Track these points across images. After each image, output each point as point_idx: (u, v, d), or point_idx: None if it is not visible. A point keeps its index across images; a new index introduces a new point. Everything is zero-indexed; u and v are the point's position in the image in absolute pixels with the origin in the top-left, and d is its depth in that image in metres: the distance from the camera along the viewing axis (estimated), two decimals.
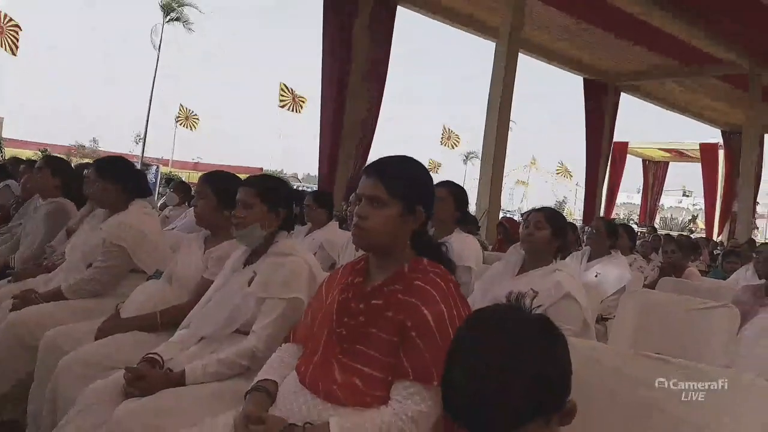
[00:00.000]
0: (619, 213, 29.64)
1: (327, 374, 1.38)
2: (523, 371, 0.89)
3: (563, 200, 47.27)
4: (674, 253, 4.61)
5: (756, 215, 19.19)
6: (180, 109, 27.57)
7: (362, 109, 9.26)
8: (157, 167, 17.45)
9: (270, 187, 2.06)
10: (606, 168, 14.36)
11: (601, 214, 15.20)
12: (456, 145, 27.95)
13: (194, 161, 30.39)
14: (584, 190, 14.53)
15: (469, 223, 5.88)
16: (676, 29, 10.27)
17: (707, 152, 18.93)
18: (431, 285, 1.38)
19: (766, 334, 2.12)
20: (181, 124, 27.89)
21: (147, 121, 28.52)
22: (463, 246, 3.03)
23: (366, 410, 1.32)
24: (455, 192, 3.07)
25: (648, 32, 10.60)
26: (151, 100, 28.68)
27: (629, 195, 37.01)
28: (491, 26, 10.28)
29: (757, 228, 26.61)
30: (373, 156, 9.66)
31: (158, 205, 6.88)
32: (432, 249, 1.52)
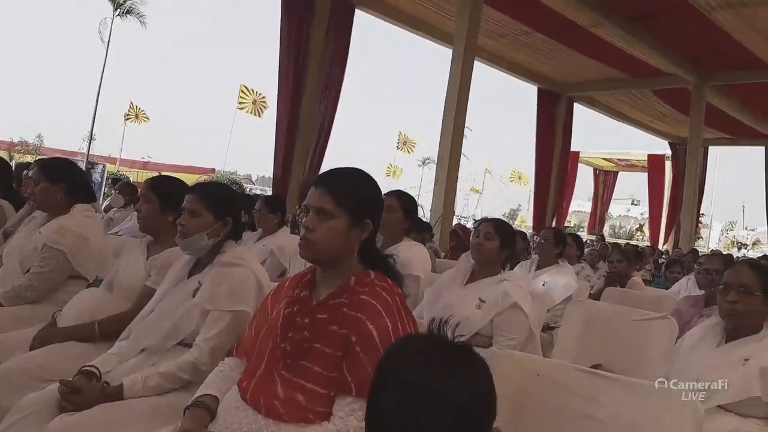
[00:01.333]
0: (570, 221, 30.40)
1: (269, 390, 1.36)
2: (448, 401, 0.89)
3: (518, 208, 48.18)
4: (620, 263, 4.74)
5: (700, 225, 19.97)
6: (129, 106, 26.85)
7: (318, 113, 9.23)
8: (104, 166, 16.90)
9: (218, 196, 2.01)
10: (558, 177, 14.67)
11: (553, 222, 15.54)
12: (411, 151, 28.22)
13: (144, 160, 29.63)
14: (535, 199, 14.81)
15: (423, 230, 5.94)
16: (625, 43, 10.61)
17: (655, 163, 19.61)
18: (377, 299, 1.37)
19: (700, 345, 2.19)
20: (130, 121, 27.18)
21: (94, 117, 27.66)
22: (410, 255, 3.05)
23: (308, 426, 1.30)
24: (403, 201, 3.09)
25: (599, 45, 10.93)
26: (98, 96, 27.85)
27: (580, 203, 38.06)
28: (448, 33, 10.39)
29: (701, 237, 27.72)
30: (328, 159, 9.64)
31: (103, 206, 6.67)
32: (380, 261, 1.52)
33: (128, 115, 27.18)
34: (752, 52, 10.56)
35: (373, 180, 1.53)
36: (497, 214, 46.30)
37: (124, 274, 2.35)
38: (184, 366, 1.79)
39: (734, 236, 44.52)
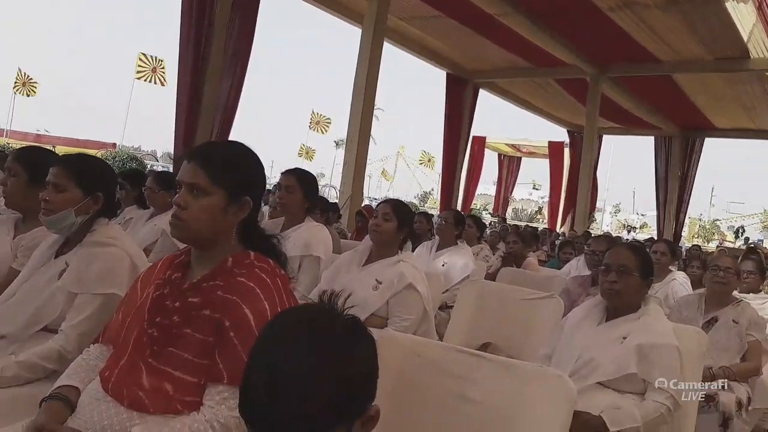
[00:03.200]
0: (476, 203, 31.37)
1: (133, 379, 1.26)
2: (325, 375, 0.84)
3: (430, 190, 49.13)
4: (516, 244, 4.91)
5: (594, 209, 21.16)
6: (18, 74, 24.72)
7: (223, 90, 8.85)
8: None
9: (87, 168, 1.84)
10: (463, 160, 15.00)
11: (460, 204, 15.94)
12: (325, 131, 27.85)
13: (37, 133, 27.48)
14: (442, 181, 15.09)
15: (327, 210, 5.88)
16: (530, 33, 10.93)
17: (554, 150, 20.48)
18: (255, 281, 1.29)
19: (582, 324, 2.28)
20: (17, 91, 25.07)
21: None
22: (311, 235, 2.99)
23: (175, 417, 1.21)
24: (303, 180, 3.00)
25: (506, 33, 11.20)
26: None
27: (486, 186, 39.37)
28: (359, 12, 10.29)
29: (595, 220, 29.45)
30: (234, 137, 9.31)
31: None
32: (261, 241, 1.44)
33: (15, 83, 25.04)
34: (645, 48, 11.21)
35: (254, 154, 1.43)
36: (409, 196, 47.12)
37: None
38: (47, 354, 1.65)
39: (625, 219, 47.65)
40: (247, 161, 1.40)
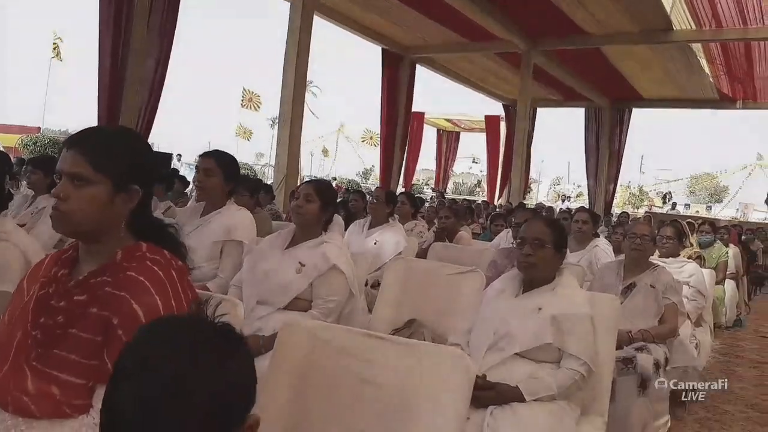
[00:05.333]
0: (419, 179, 31.60)
1: (17, 384, 1.18)
2: (197, 392, 0.80)
3: (371, 168, 49.04)
4: (448, 219, 4.96)
5: (529, 181, 21.64)
6: None
7: (148, 68, 8.47)
8: None
9: None
10: (402, 137, 14.98)
11: (401, 180, 15.98)
12: (258, 108, 27.24)
13: None
14: (381, 158, 15.03)
15: (261, 191, 5.76)
16: (461, 5, 10.90)
17: (491, 123, 20.75)
18: (146, 274, 1.23)
19: (500, 296, 2.33)
20: None
21: None
22: (233, 220, 2.92)
23: (64, 421, 1.16)
24: (222, 162, 2.91)
25: (438, 6, 11.14)
26: None
27: (428, 162, 39.57)
28: None
29: (531, 191, 30.20)
30: (163, 120, 8.97)
31: None
32: (155, 232, 1.38)
33: None
34: (574, 21, 11.43)
35: (141, 139, 1.37)
36: (351, 174, 46.97)
37: None
38: None
39: (560, 190, 49.07)
40: (133, 147, 1.33)
